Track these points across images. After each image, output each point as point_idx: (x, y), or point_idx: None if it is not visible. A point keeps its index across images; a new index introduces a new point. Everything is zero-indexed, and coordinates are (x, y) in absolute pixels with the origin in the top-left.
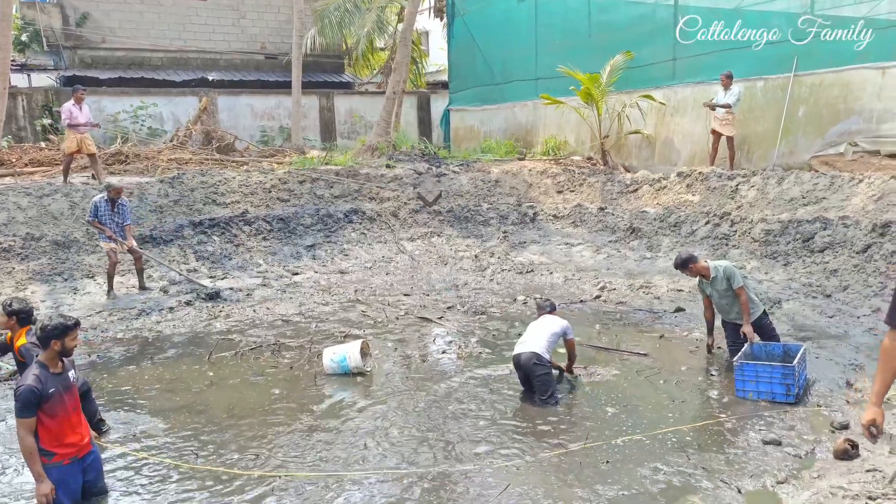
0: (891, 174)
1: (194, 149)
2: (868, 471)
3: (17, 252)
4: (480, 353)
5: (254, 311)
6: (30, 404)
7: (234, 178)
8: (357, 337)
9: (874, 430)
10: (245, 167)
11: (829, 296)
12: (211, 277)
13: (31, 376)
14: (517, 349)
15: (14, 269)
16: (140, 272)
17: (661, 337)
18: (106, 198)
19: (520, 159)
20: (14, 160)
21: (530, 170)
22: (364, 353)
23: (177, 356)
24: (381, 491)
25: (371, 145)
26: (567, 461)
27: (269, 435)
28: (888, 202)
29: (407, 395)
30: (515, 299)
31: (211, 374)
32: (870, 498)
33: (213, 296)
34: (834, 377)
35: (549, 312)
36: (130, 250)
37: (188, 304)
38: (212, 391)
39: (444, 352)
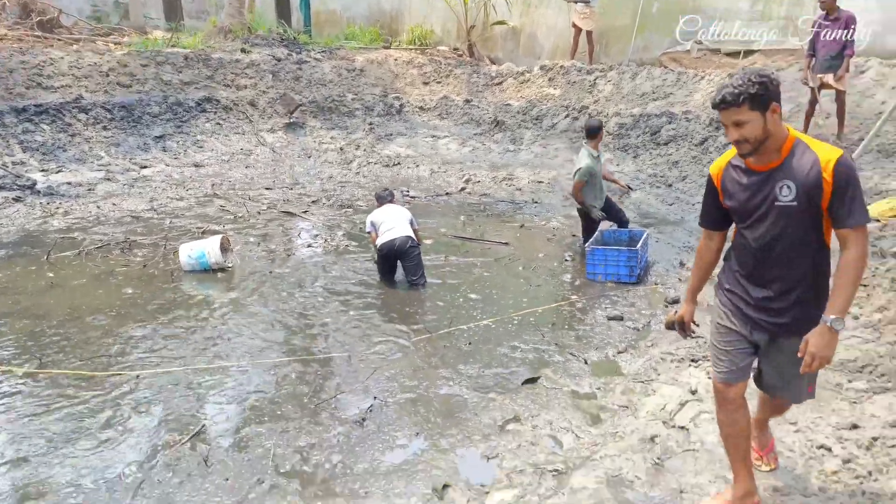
0: (728, 71)
1: (9, 23)
2: (693, 337)
3: None
4: (347, 245)
5: (97, 207)
6: None
7: (62, 58)
8: (216, 233)
9: (683, 327)
10: (75, 47)
11: (670, 185)
12: (43, 171)
13: None
14: (387, 237)
15: None
16: None
17: (521, 227)
18: None
19: (385, 48)
20: None
21: (396, 59)
22: (224, 248)
23: (7, 257)
24: (248, 381)
25: (223, 27)
26: (432, 346)
27: (124, 335)
28: None
29: (271, 290)
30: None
31: (51, 274)
32: (692, 360)
33: (30, 187)
34: (670, 258)
35: (390, 202)
36: None
37: (17, 199)
38: (53, 293)
39: (309, 246)
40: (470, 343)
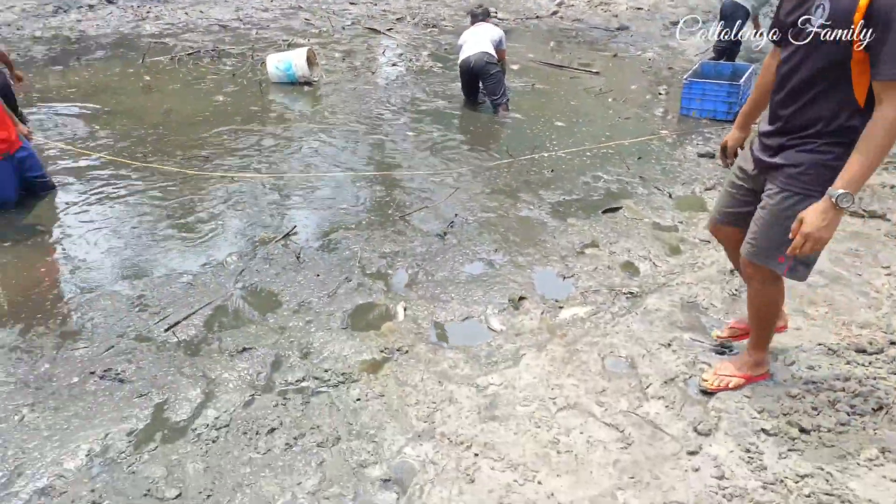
0: None
1: None
2: None
3: None
4: (431, 66)
5: (185, 13)
6: None
7: None
8: (302, 46)
9: (725, 154)
10: None
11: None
12: None
13: None
14: (464, 54)
15: None
16: None
17: (614, 56)
18: None
19: None
20: None
21: None
22: (310, 61)
23: (106, 58)
24: (335, 190)
25: None
26: (513, 169)
27: (217, 140)
28: None
29: (355, 106)
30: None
31: (147, 78)
32: None
33: None
34: None
35: (483, 20)
36: None
37: (110, 2)
38: (150, 96)
39: (393, 64)
40: (553, 170)
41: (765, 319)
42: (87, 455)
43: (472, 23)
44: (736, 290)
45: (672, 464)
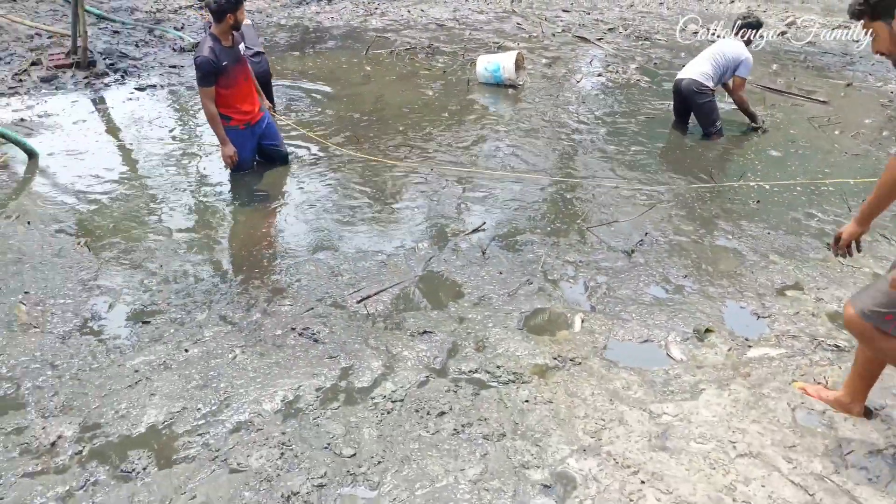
0: None
1: None
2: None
3: None
4: (638, 80)
5: (408, 11)
6: (208, 74)
7: None
8: (511, 49)
9: (838, 244)
10: None
11: None
12: None
13: (206, 48)
14: (680, 74)
15: None
16: None
17: (848, 85)
18: None
19: None
20: None
21: None
22: (518, 65)
23: (336, 48)
24: (525, 193)
25: None
26: (715, 196)
27: (422, 130)
28: None
29: (554, 113)
30: (685, 27)
31: (368, 68)
32: None
33: None
34: None
35: (736, 34)
36: None
37: None
38: (368, 86)
39: (599, 75)
40: (759, 201)
41: (865, 375)
42: (282, 401)
43: (732, 34)
44: None
45: None
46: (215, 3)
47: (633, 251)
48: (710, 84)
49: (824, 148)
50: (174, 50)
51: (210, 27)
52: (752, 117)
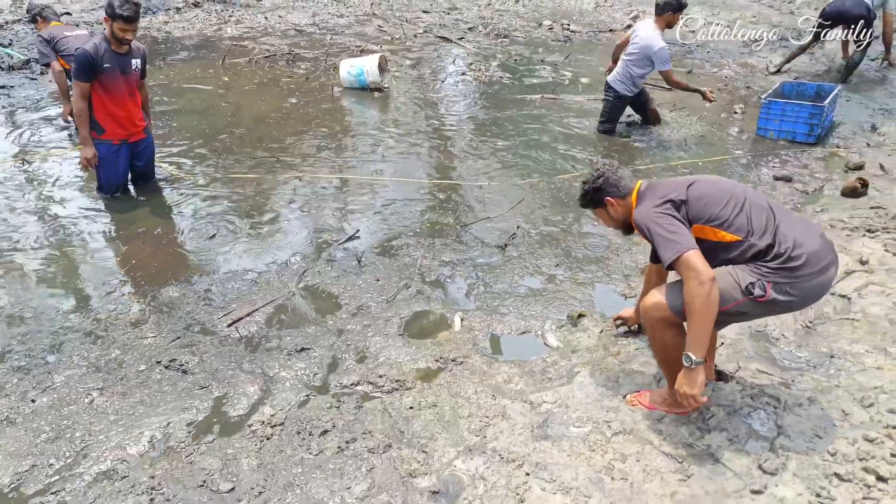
0: None
1: None
2: (872, 208)
3: None
4: (501, 77)
5: (265, 18)
6: (83, 68)
7: None
8: (374, 52)
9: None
10: None
11: (877, 37)
12: None
13: (91, 43)
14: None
15: None
16: None
17: (688, 72)
18: None
19: None
20: None
21: None
22: (382, 67)
23: (189, 59)
24: (399, 196)
25: None
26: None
27: (286, 141)
28: None
29: (424, 114)
30: (541, 24)
31: (226, 79)
32: (868, 230)
33: None
34: (861, 120)
35: (660, 15)
36: None
37: (196, 5)
38: (227, 96)
39: (463, 74)
40: None
41: (667, 362)
42: (149, 442)
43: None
44: (811, 321)
45: (734, 501)
46: (108, 4)
47: (506, 245)
48: (617, 88)
49: (672, 133)
50: (1, 69)
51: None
52: (697, 91)
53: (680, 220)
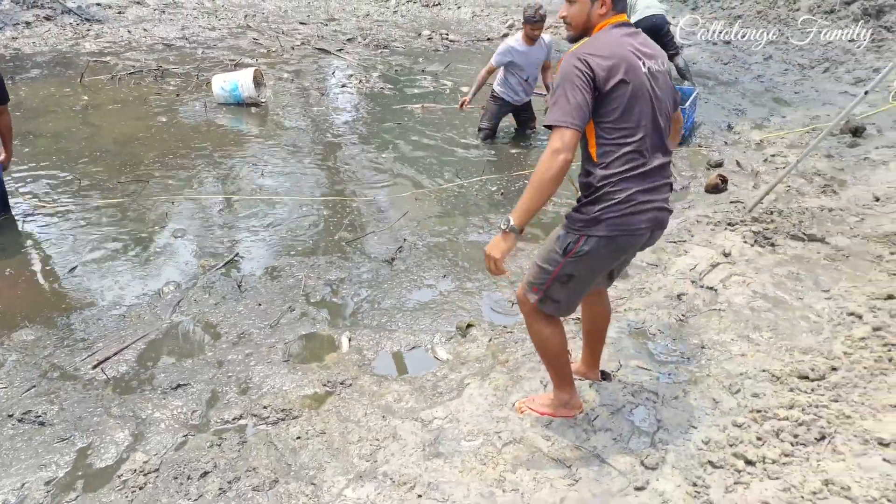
0: None
1: None
2: (732, 202)
3: None
4: (382, 88)
5: (129, 31)
6: None
7: None
8: (249, 66)
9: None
10: None
11: (728, 42)
12: None
13: None
14: None
15: None
16: None
17: None
18: None
19: None
20: None
21: None
22: (257, 82)
23: (42, 77)
24: (279, 215)
25: None
26: (463, 193)
27: (158, 161)
28: None
29: (303, 128)
30: (420, 34)
31: (86, 98)
32: (729, 224)
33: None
34: (718, 120)
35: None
36: None
37: (48, 19)
38: (89, 116)
39: (343, 86)
40: (502, 193)
41: (546, 357)
42: None
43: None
44: (683, 315)
45: (619, 501)
46: None
47: (393, 259)
48: (496, 90)
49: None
50: None
51: None
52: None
53: (590, 94)
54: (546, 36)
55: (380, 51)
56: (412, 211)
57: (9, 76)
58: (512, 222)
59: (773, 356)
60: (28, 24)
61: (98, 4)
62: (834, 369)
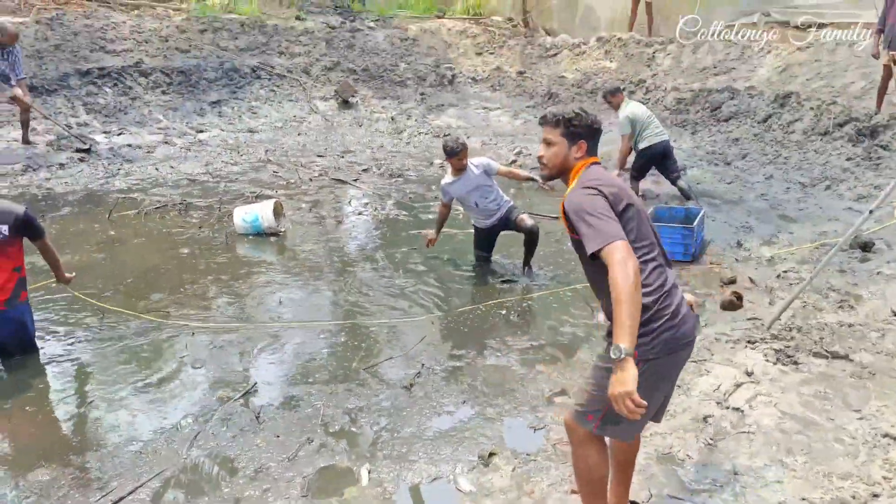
0: (797, 46)
1: None
2: (749, 319)
3: None
4: (397, 215)
5: (156, 169)
6: None
7: (124, 22)
8: (269, 197)
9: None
10: (136, 11)
11: (728, 163)
12: (105, 133)
13: None
14: None
15: None
16: (25, 124)
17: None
18: None
19: (438, 17)
20: None
21: (449, 29)
22: (277, 212)
23: (73, 214)
24: (298, 343)
25: None
26: (479, 316)
27: (180, 292)
28: (790, 74)
29: (322, 256)
30: (432, 163)
31: (112, 232)
32: (749, 342)
33: (87, 150)
34: (727, 238)
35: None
36: (15, 99)
37: (82, 160)
38: (114, 249)
39: (360, 214)
40: (519, 315)
41: (588, 486)
42: None
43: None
44: (712, 438)
45: None
46: None
47: (411, 385)
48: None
49: (564, 258)
50: None
51: None
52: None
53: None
54: (473, 160)
55: (394, 179)
56: (429, 335)
57: (41, 214)
58: (624, 347)
59: (811, 482)
60: (62, 165)
61: (129, 145)
62: (875, 496)
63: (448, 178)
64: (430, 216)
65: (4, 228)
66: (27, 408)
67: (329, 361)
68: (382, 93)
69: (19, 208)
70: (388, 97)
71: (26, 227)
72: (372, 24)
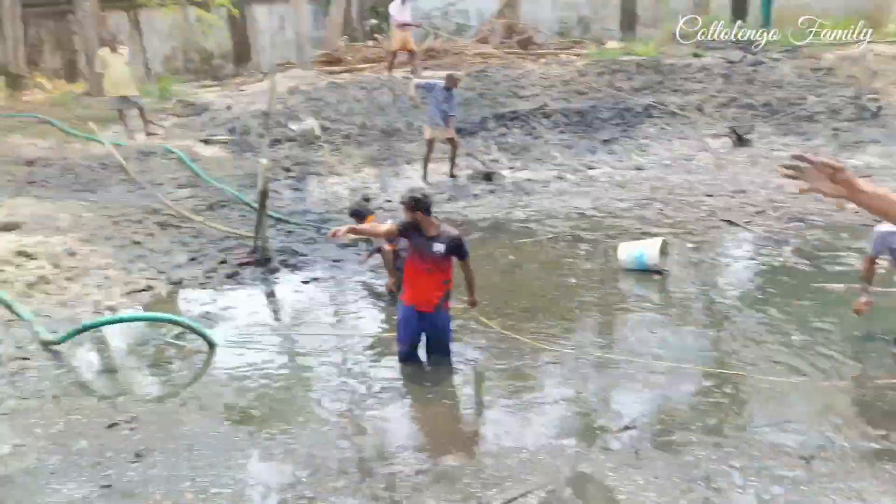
0: None
1: (496, 43)
2: None
3: (355, 138)
4: (796, 264)
5: (550, 202)
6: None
7: (534, 70)
8: (654, 235)
9: None
10: (544, 60)
11: None
12: (510, 168)
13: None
14: None
15: (353, 153)
16: (453, 160)
17: None
18: (444, 85)
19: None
20: (350, 58)
21: (878, 54)
22: (663, 251)
23: (482, 239)
24: (675, 383)
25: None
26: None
27: (562, 318)
28: None
29: (706, 301)
30: (846, 207)
31: (512, 257)
32: None
33: (488, 176)
34: None
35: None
36: (450, 140)
37: (491, 192)
38: (513, 274)
39: (751, 259)
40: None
41: None
42: None
43: None
44: None
45: None
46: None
47: (811, 457)
48: None
49: None
50: (339, 246)
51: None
52: None
53: None
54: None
55: (793, 224)
56: (832, 404)
57: None
58: None
59: None
60: (476, 195)
61: (529, 180)
62: None
63: (885, 226)
64: (839, 268)
65: (442, 248)
66: (444, 401)
67: (710, 412)
68: (785, 129)
69: (455, 232)
70: (791, 133)
71: (458, 248)
72: (777, 56)
